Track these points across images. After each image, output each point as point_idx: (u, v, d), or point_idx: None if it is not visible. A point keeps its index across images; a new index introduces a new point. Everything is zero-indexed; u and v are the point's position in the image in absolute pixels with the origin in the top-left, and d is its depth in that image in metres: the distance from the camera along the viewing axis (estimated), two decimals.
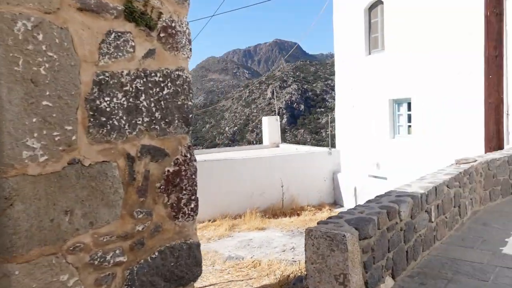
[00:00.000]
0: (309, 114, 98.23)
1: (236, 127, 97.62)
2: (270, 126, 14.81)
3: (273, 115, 15.11)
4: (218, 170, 11.04)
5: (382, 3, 11.12)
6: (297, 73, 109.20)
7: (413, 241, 3.54)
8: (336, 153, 12.30)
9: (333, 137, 13.74)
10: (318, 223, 3.04)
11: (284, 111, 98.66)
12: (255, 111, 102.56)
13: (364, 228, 2.86)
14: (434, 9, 9.68)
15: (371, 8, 11.61)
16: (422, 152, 10.29)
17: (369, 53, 11.75)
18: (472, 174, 4.87)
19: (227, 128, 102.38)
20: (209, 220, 10.83)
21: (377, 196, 3.70)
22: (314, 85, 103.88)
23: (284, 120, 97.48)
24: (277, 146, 14.83)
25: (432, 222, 3.90)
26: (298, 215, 11.05)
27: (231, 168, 11.16)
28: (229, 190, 11.09)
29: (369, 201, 3.54)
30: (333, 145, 13.26)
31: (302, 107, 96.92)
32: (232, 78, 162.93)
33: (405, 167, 10.69)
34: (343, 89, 12.75)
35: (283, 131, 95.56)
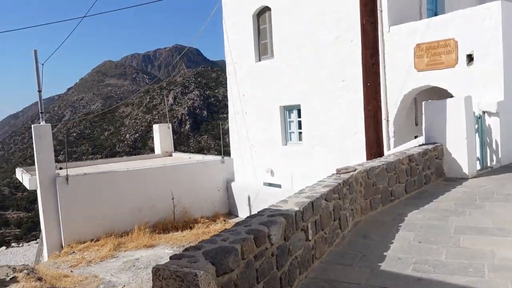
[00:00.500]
0: (212, 120, 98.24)
1: (137, 134, 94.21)
2: (162, 134, 14.06)
3: (165, 123, 14.38)
4: (101, 184, 10.12)
5: (270, 9, 11.06)
6: (199, 79, 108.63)
7: (288, 265, 3.21)
8: (230, 161, 11.98)
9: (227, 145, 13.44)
10: (170, 258, 2.54)
11: (187, 117, 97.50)
12: (156, 117, 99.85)
13: (223, 261, 2.43)
14: (319, 17, 9.80)
15: (260, 14, 11.52)
16: (313, 158, 10.36)
17: (259, 60, 11.64)
18: (352, 184, 4.74)
19: (127, 135, 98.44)
20: (92, 240, 9.85)
21: (248, 217, 3.31)
22: (216, 91, 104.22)
23: (187, 126, 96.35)
24: (170, 155, 14.12)
25: (310, 240, 3.63)
26: (191, 228, 10.51)
27: (115, 181, 10.29)
28: (114, 205, 10.22)
29: (237, 224, 3.14)
30: (227, 153, 12.94)
31: (205, 113, 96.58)
32: (131, 83, 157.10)
33: (298, 173, 10.71)
34: (235, 96, 12.49)
35: (187, 137, 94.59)
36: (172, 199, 10.59)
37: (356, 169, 5.05)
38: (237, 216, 11.49)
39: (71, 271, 8.20)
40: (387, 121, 8.68)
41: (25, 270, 6.46)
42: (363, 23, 6.27)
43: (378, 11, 6.62)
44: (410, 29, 8.20)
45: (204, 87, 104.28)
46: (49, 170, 9.71)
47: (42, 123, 9.96)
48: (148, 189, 10.61)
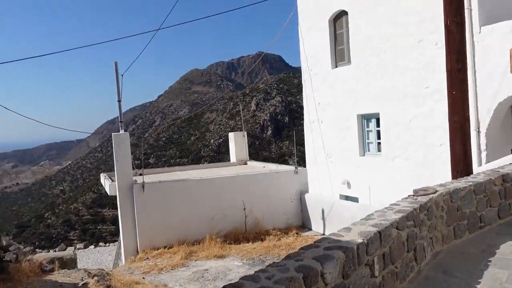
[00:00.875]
0: (294, 126, 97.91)
1: (221, 139, 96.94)
2: (237, 142, 14.04)
3: (240, 131, 14.34)
4: (175, 191, 10.25)
5: (347, 13, 10.51)
6: (281, 85, 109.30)
7: None
8: (304, 172, 11.56)
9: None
10: None
11: (269, 123, 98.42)
12: (239, 123, 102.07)
13: None
14: (400, 20, 9.09)
15: (336, 19, 11.00)
16: (393, 171, 9.62)
17: (336, 66, 11.11)
18: (431, 209, 4.14)
19: (212, 140, 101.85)
20: (165, 247, 9.98)
21: (301, 249, 2.94)
22: (298, 97, 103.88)
23: (269, 132, 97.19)
24: (245, 164, 14.05)
25: (376, 276, 3.15)
26: (262, 240, 10.26)
27: (188, 189, 10.36)
28: (187, 213, 10.29)
29: (288, 257, 2.78)
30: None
31: (287, 119, 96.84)
32: (216, 90, 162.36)
33: (377, 186, 10.02)
34: (310, 104, 12.07)
35: (268, 143, 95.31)
36: (244, 209, 10.43)
37: (436, 191, 4.42)
38: (310, 229, 11.04)
39: (143, 278, 8.31)
40: (478, 132, 7.73)
41: (96, 277, 6.60)
42: (448, 24, 5.58)
43: (466, 10, 5.86)
44: (506, 29, 7.23)
45: (286, 93, 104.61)
46: (127, 177, 10.03)
47: (121, 131, 10.34)
48: (220, 198, 10.56)
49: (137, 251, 10.00)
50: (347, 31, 10.66)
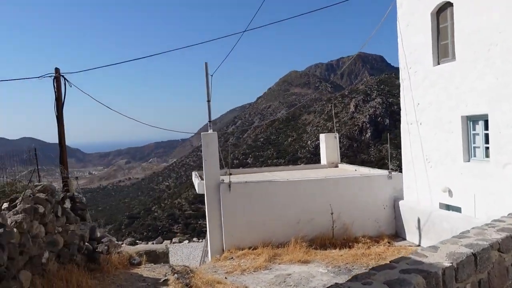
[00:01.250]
0: (395, 129, 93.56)
1: (318, 141, 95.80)
2: (328, 144, 13.52)
3: (331, 133, 13.79)
4: (260, 192, 10.12)
5: (451, 5, 9.48)
6: (382, 86, 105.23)
7: None
8: (398, 177, 10.71)
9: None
10: None
11: (368, 125, 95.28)
12: (337, 125, 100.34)
13: None
14: None
15: (440, 11, 9.98)
16: (503, 179, 8.45)
17: (438, 63, 10.09)
18: None
19: (309, 142, 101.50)
20: (250, 248, 9.88)
21: (372, 269, 2.50)
22: (399, 98, 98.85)
23: (368, 134, 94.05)
24: (336, 166, 13.48)
25: None
26: (350, 247, 9.70)
27: (274, 190, 10.16)
28: (273, 215, 10.10)
29: (354, 279, 2.37)
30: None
31: (387, 121, 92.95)
32: (314, 92, 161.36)
33: (483, 196, 8.89)
34: (408, 104, 11.15)
35: (367, 145, 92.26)
36: (331, 214, 9.95)
37: None
38: (404, 239, 10.19)
39: (225, 278, 8.27)
40: None
41: (176, 275, 6.64)
42: None
43: None
44: None
45: (387, 94, 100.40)
46: (214, 176, 10.12)
47: (210, 131, 10.45)
48: (307, 201, 10.21)
49: (223, 250, 10.04)
50: (452, 24, 9.62)
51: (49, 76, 12.33)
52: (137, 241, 21.98)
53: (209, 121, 10.57)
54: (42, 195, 6.36)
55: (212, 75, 10.41)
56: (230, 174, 13.10)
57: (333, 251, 9.54)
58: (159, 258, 12.07)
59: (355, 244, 9.76)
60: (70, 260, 6.97)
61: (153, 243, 20.67)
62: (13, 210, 5.40)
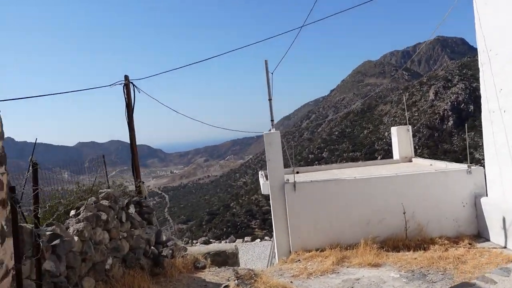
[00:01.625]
0: (481, 115, 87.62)
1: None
2: (400, 137, 12.71)
3: (404, 125, 12.94)
4: (327, 192, 9.74)
5: None
6: (464, 71, 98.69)
7: None
8: (479, 172, 9.75)
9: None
10: None
11: (450, 113, 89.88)
12: (416, 114, 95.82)
13: None
14: None
15: None
16: None
17: None
18: None
19: (386, 133, 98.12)
20: (317, 250, 9.55)
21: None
22: None
23: (450, 122, 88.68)
24: (409, 161, 12.64)
25: None
26: (425, 249, 9.00)
27: (342, 189, 9.72)
28: (341, 215, 9.69)
29: None
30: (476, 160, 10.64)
31: (472, 107, 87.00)
32: (390, 81, 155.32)
33: None
34: (489, 90, 10.10)
35: (449, 135, 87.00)
36: (404, 213, 9.30)
37: None
38: (488, 240, 9.26)
39: (291, 282, 8.04)
40: None
41: (237, 280, 6.53)
42: None
43: None
44: None
45: (471, 79, 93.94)
46: (278, 176, 9.91)
47: (272, 130, 10.25)
48: (377, 200, 9.65)
49: (290, 252, 9.81)
50: None
51: (119, 84, 12.85)
52: (211, 239, 22.43)
53: (271, 120, 10.38)
54: (105, 202, 6.55)
55: (272, 73, 10.22)
56: (297, 172, 12.85)
57: (407, 253, 8.91)
58: (229, 258, 12.15)
59: (431, 246, 9.03)
60: (136, 264, 7.15)
61: (226, 242, 20.99)
62: (75, 218, 5.59)
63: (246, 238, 21.44)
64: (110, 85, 12.75)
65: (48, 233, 4.47)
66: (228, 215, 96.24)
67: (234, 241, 21.11)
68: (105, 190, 6.80)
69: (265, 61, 10.19)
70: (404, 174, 9.79)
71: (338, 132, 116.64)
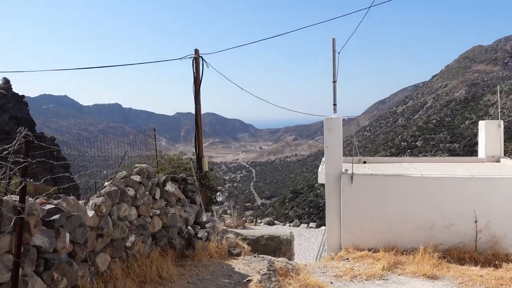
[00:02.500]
0: None
1: (505, 123, 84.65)
2: (488, 133, 11.07)
3: (495, 120, 11.24)
4: (389, 187, 8.80)
5: None
6: None
7: None
8: None
9: None
10: None
11: None
12: None
13: None
14: None
15: None
16: None
17: None
18: None
19: None
20: (370, 250, 8.72)
21: None
22: None
23: None
24: (497, 161, 11.01)
25: None
26: (496, 266, 7.75)
27: (406, 187, 8.71)
28: (401, 215, 8.74)
29: None
30: None
31: None
32: (502, 69, 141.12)
33: None
34: None
35: None
36: (475, 222, 8.08)
37: None
38: None
39: (331, 283, 7.38)
40: None
41: (261, 276, 6.05)
42: None
43: None
44: None
45: None
46: (336, 165, 9.15)
47: (334, 115, 9.44)
48: (446, 203, 8.50)
49: (340, 247, 9.09)
50: None
51: (189, 58, 12.77)
52: (275, 221, 22.17)
53: (334, 104, 9.54)
54: (136, 178, 6.40)
55: (339, 53, 9.32)
56: (364, 162, 11.90)
57: (472, 268, 7.73)
58: (282, 245, 11.71)
59: (504, 264, 7.74)
60: (168, 244, 6.99)
61: (290, 226, 20.56)
62: (97, 193, 5.48)
63: (311, 224, 20.77)
64: (180, 59, 12.72)
65: (48, 207, 4.34)
66: (312, 195, 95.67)
67: (298, 226, 20.61)
68: (140, 165, 6.65)
69: (332, 39, 9.32)
70: (481, 177, 8.47)
71: (436, 120, 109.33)
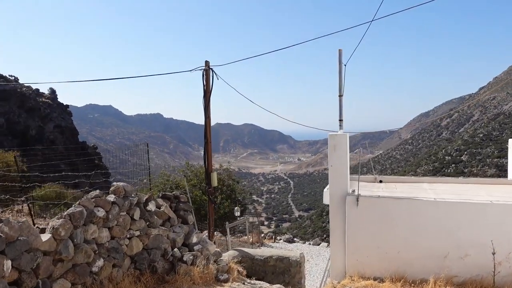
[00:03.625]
0: None
1: None
2: None
3: None
4: (397, 211, 8.06)
5: None
6: None
7: None
8: None
9: None
10: None
11: None
12: None
13: None
14: None
15: None
16: None
17: None
18: None
19: None
20: (376, 279, 7.99)
21: None
22: None
23: None
24: None
25: None
26: None
27: (417, 211, 7.93)
28: (411, 242, 7.97)
29: None
30: None
31: None
32: None
33: None
34: None
35: None
36: (493, 253, 7.20)
37: None
38: None
39: None
40: None
41: None
42: None
43: None
44: None
45: None
46: (342, 185, 8.50)
47: (340, 131, 8.80)
48: (462, 231, 7.67)
49: (345, 274, 8.40)
50: None
51: (200, 69, 12.49)
52: (295, 238, 21.32)
53: (340, 120, 8.90)
54: (111, 197, 6.06)
55: (345, 64, 8.70)
56: (380, 181, 11.14)
57: None
58: (291, 266, 11.08)
59: None
60: (150, 267, 6.59)
61: (309, 244, 19.73)
62: (58, 214, 5.16)
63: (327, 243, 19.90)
64: (190, 71, 12.45)
65: None
66: None
67: (319, 244, 19.75)
68: (116, 184, 6.31)
69: (339, 50, 8.72)
70: (501, 203, 7.58)
71: (483, 134, 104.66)
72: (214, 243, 13.14)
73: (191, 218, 8.01)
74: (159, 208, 7.26)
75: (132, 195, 6.47)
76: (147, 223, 6.74)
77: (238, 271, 7.91)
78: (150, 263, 6.64)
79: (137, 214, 6.48)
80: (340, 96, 8.79)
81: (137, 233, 6.49)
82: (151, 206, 6.89)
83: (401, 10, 9.14)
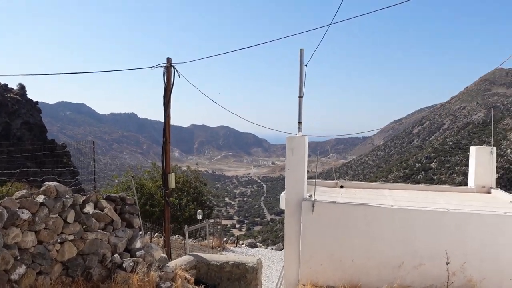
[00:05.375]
0: None
1: None
2: (479, 161, 9.96)
3: (487, 146, 10.15)
4: (355, 219, 7.79)
5: None
6: None
7: None
8: None
9: None
10: None
11: None
12: None
13: None
14: None
15: None
16: None
17: None
18: None
19: (509, 150, 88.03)
20: (330, 287, 7.67)
21: None
22: None
23: None
24: (487, 192, 9.88)
25: None
26: None
27: (374, 219, 7.68)
28: (366, 250, 7.70)
29: None
30: None
31: None
32: None
33: None
34: None
35: None
36: (447, 263, 6.99)
37: None
38: None
39: None
40: None
41: None
42: None
43: None
44: None
45: None
46: (297, 190, 8.19)
47: (299, 134, 8.50)
48: (417, 240, 7.45)
49: (298, 282, 8.07)
50: None
51: (161, 66, 12.02)
52: (257, 243, 21.05)
53: (299, 122, 8.61)
54: (40, 198, 5.55)
55: (306, 65, 8.42)
56: (341, 186, 10.91)
57: None
58: (248, 273, 10.71)
59: None
60: (84, 274, 6.10)
61: (272, 249, 19.44)
62: None
63: None
64: (151, 67, 11.96)
65: None
66: None
67: (281, 250, 19.44)
68: (47, 183, 5.80)
69: (300, 50, 8.43)
70: (457, 211, 7.40)
71: (453, 143, 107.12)
72: (167, 248, 12.61)
73: (137, 221, 7.53)
74: (102, 211, 6.77)
75: (66, 196, 5.97)
76: (84, 227, 6.25)
77: (185, 278, 7.48)
78: (85, 270, 6.14)
79: (71, 216, 5.98)
80: (300, 97, 8.50)
81: (71, 237, 5.99)
82: (89, 208, 6.40)
83: (376, 10, 8.93)
